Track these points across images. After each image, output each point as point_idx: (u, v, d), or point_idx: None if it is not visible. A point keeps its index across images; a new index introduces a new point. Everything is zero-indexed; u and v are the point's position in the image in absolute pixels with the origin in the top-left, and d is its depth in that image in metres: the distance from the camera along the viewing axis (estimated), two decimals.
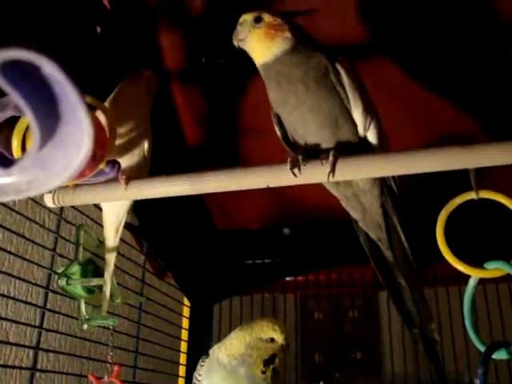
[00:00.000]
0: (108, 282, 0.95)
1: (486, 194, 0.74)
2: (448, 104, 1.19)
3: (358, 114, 0.79)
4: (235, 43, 0.84)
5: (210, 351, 1.07)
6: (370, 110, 0.80)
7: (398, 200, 0.88)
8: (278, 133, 0.87)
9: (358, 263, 1.60)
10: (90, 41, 1.04)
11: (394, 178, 0.87)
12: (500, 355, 0.74)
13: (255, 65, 0.83)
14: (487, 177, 0.85)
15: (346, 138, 0.79)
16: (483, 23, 1.06)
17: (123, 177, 0.80)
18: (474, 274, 0.75)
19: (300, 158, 0.74)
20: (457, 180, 0.73)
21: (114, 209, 0.96)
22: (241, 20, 0.82)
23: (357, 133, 0.80)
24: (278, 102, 0.82)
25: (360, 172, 0.75)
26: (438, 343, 0.94)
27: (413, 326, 0.93)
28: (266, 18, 0.80)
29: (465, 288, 0.78)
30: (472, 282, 0.77)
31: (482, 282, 0.79)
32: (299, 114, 0.79)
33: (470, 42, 1.09)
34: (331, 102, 0.78)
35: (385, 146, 0.83)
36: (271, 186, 0.77)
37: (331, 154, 0.73)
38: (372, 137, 0.80)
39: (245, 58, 1.07)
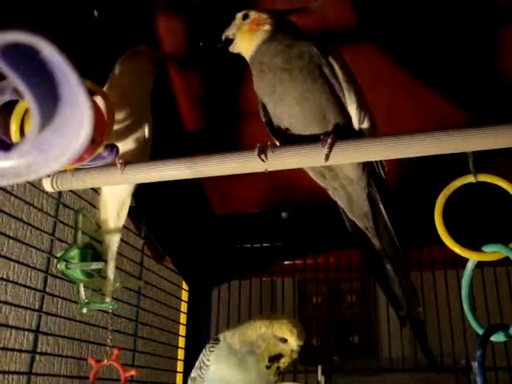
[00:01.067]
0: (111, 267, 0.96)
1: (484, 178, 0.74)
2: (443, 88, 1.18)
3: (353, 109, 0.79)
4: (223, 37, 0.87)
5: (221, 337, 1.07)
6: (364, 104, 0.80)
7: (385, 188, 0.88)
8: (263, 119, 0.88)
9: (356, 247, 1.60)
10: (88, 25, 1.03)
11: (382, 163, 0.87)
12: (498, 338, 0.74)
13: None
14: (486, 160, 0.85)
15: (335, 129, 0.79)
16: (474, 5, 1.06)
17: (120, 161, 0.80)
18: (472, 257, 0.76)
19: (269, 144, 0.76)
20: (456, 163, 0.73)
21: (116, 194, 0.96)
22: (235, 18, 0.86)
23: (348, 126, 0.80)
24: (265, 93, 0.83)
25: (357, 155, 0.75)
26: (423, 325, 0.95)
27: (400, 308, 0.94)
28: (252, 14, 0.84)
29: (463, 271, 0.78)
30: (470, 266, 0.78)
31: (479, 265, 0.79)
32: (286, 106, 0.80)
33: (462, 25, 1.08)
34: (319, 92, 0.78)
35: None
36: (269, 169, 0.77)
37: (330, 136, 0.73)
38: (366, 129, 0.81)
39: None
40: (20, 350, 1.07)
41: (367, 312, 2.89)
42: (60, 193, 1.06)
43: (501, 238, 0.75)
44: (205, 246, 1.73)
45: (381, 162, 0.87)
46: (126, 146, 0.87)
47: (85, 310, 0.98)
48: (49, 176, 0.85)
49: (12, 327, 1.06)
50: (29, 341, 1.07)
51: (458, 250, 0.74)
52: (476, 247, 0.75)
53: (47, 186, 0.86)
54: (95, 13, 1.04)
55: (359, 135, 0.81)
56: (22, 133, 0.60)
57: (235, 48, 0.86)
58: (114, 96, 0.84)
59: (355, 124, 0.80)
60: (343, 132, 0.78)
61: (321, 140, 0.73)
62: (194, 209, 1.64)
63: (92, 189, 1.12)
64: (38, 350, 1.05)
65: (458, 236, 0.74)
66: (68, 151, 0.35)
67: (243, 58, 1.17)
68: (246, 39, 0.83)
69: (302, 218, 1.67)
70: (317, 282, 1.80)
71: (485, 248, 0.74)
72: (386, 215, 0.89)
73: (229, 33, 0.85)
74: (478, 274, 1.46)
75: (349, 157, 0.75)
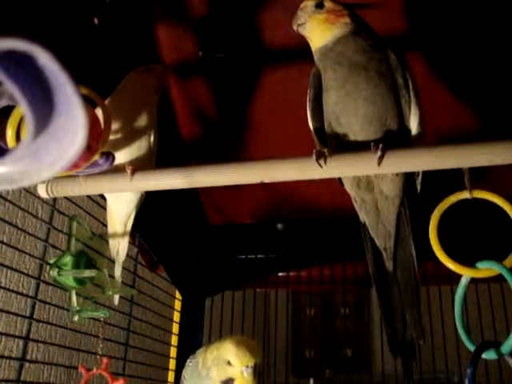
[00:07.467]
0: (118, 268, 1.01)
1: (479, 194, 0.74)
2: (447, 102, 1.19)
3: (415, 123, 0.78)
4: (294, 27, 0.84)
5: (197, 352, 1.07)
6: (423, 119, 0.79)
7: (418, 208, 0.86)
8: (312, 125, 0.86)
9: (350, 260, 1.60)
10: (88, 32, 1.03)
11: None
12: (489, 355, 0.74)
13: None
14: (482, 176, 0.85)
15: (388, 138, 0.77)
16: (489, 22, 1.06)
17: (130, 167, 0.80)
18: (466, 274, 0.76)
19: (326, 150, 0.74)
20: (452, 179, 0.73)
21: (122, 206, 0.96)
22: (302, 5, 0.83)
23: (404, 139, 0.79)
24: (331, 85, 0.80)
25: (410, 164, 0.74)
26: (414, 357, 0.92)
27: (393, 335, 0.90)
28: (327, 4, 0.82)
29: (457, 287, 0.78)
30: (464, 282, 0.77)
31: (473, 281, 0.79)
32: (351, 103, 0.78)
33: (475, 38, 1.08)
34: (387, 99, 0.77)
35: None
36: (266, 181, 0.77)
37: (381, 145, 0.72)
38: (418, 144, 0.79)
39: (243, 52, 1.07)
40: (9, 358, 1.06)
41: (361, 325, 2.88)
42: (55, 199, 1.05)
43: (495, 254, 0.75)
44: (199, 256, 1.73)
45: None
46: (132, 154, 0.88)
47: (76, 318, 0.97)
48: (44, 182, 0.85)
49: (2, 334, 1.05)
50: (18, 347, 1.06)
51: (451, 266, 0.73)
52: (470, 263, 0.75)
53: (42, 192, 0.86)
54: (95, 20, 1.04)
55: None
56: (18, 138, 0.60)
57: (305, 31, 0.83)
58: (118, 105, 0.88)
59: (413, 137, 0.79)
60: (396, 142, 0.76)
61: (371, 147, 0.72)
62: (189, 218, 1.64)
63: (87, 196, 1.11)
64: (28, 357, 1.04)
65: (452, 252, 0.74)
66: (62, 159, 0.34)
67: (243, 69, 1.18)
68: (322, 28, 0.81)
69: (296, 230, 1.67)
70: (310, 294, 1.79)
71: (479, 264, 0.74)
72: (412, 239, 0.86)
73: (300, 22, 0.83)
74: (472, 289, 1.46)
75: (402, 165, 0.74)
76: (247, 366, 0.92)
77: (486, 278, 0.77)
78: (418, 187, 0.85)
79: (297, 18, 0.84)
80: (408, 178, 0.83)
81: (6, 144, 0.60)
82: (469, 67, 1.13)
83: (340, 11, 0.82)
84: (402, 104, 0.78)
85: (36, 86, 0.32)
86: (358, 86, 0.77)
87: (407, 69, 0.79)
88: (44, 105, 0.33)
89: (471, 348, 0.76)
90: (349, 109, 0.78)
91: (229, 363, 0.94)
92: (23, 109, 0.32)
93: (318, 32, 0.82)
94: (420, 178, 0.84)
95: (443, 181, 0.88)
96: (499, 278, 0.75)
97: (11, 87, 0.30)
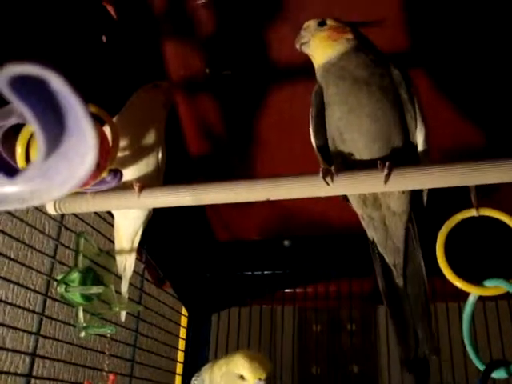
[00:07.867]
0: (125, 284, 1.00)
1: (486, 212, 0.74)
2: (451, 119, 1.19)
3: (421, 139, 0.78)
4: (297, 46, 0.85)
5: (203, 369, 1.06)
6: (429, 136, 0.79)
7: (425, 223, 0.85)
8: (315, 143, 0.85)
9: (357, 276, 1.60)
10: (96, 50, 1.04)
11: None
12: (499, 374, 0.74)
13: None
14: (488, 194, 0.85)
15: (393, 155, 0.77)
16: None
17: (137, 184, 0.81)
18: (474, 292, 0.75)
19: (332, 168, 0.73)
20: (459, 196, 0.73)
21: (130, 221, 0.97)
22: (305, 25, 0.85)
23: (410, 156, 0.78)
24: (334, 100, 0.80)
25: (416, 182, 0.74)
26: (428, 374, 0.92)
27: (407, 352, 0.89)
28: (330, 22, 0.83)
29: (464, 304, 0.78)
30: (471, 299, 0.77)
31: (481, 298, 0.78)
32: (355, 119, 0.77)
33: (479, 53, 1.09)
34: (390, 116, 0.77)
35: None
36: (272, 198, 0.77)
37: (387, 163, 0.71)
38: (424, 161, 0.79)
39: (250, 69, 1.08)
40: (16, 374, 1.06)
41: (367, 341, 2.86)
42: (62, 215, 1.06)
43: (503, 272, 0.75)
44: (205, 272, 1.72)
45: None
46: (140, 171, 0.89)
47: (83, 334, 0.97)
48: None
49: (9, 350, 1.05)
50: (25, 363, 1.06)
51: (459, 284, 0.73)
52: (477, 281, 0.74)
53: (50, 208, 0.86)
54: (104, 38, 1.05)
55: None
56: (27, 154, 0.60)
57: (308, 49, 0.84)
58: (126, 122, 0.88)
59: (420, 155, 0.79)
60: (402, 160, 0.76)
61: (378, 165, 0.72)
62: (196, 234, 1.64)
63: (95, 212, 1.12)
64: (34, 373, 1.04)
65: (459, 269, 0.74)
66: (72, 178, 0.35)
67: (250, 86, 1.19)
68: (325, 45, 0.82)
69: (303, 247, 1.67)
70: (317, 310, 1.78)
71: (486, 282, 0.74)
72: (421, 253, 0.86)
73: (304, 40, 0.84)
74: (480, 307, 1.45)
75: (409, 183, 0.74)
76: (260, 379, 0.94)
77: (494, 296, 0.76)
78: (425, 199, 0.85)
79: (300, 37, 0.85)
80: (415, 193, 0.83)
81: (15, 162, 0.60)
82: (473, 84, 1.13)
83: (342, 28, 0.83)
84: (408, 120, 0.78)
85: (48, 108, 0.32)
86: (360, 101, 0.77)
87: (412, 84, 0.79)
88: (55, 126, 0.33)
89: (480, 367, 0.75)
90: (352, 125, 0.78)
91: (241, 377, 0.95)
92: (35, 131, 0.32)
93: (321, 49, 0.82)
94: (426, 193, 0.84)
95: (449, 197, 0.88)
96: (507, 296, 0.74)
97: (24, 111, 0.31)
